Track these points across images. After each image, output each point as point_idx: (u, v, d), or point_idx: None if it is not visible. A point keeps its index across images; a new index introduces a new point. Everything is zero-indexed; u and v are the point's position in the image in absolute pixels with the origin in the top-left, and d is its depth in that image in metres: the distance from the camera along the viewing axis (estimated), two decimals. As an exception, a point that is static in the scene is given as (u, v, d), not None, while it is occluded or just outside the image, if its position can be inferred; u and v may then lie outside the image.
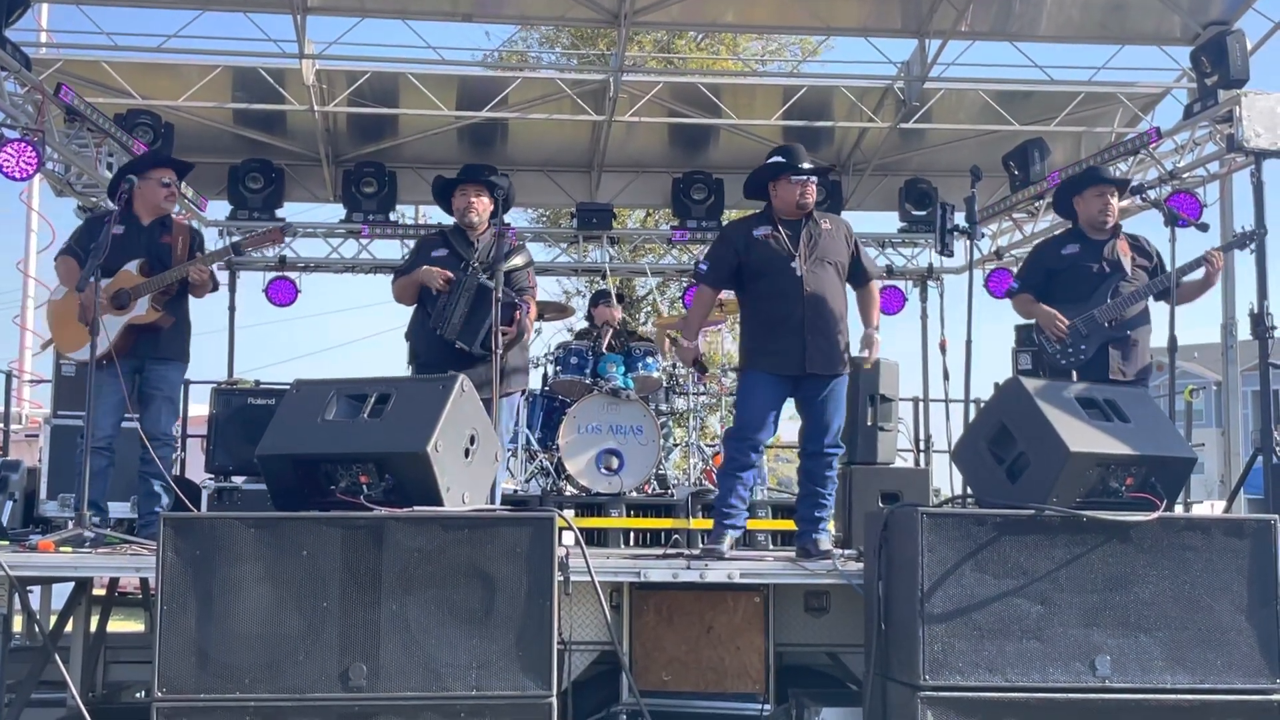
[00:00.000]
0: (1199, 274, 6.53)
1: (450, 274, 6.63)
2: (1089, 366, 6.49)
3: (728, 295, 9.93)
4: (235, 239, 6.86)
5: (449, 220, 7.07)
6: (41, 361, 15.10)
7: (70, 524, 5.90)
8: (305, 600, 4.48)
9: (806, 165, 6.28)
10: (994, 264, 12.82)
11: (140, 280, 6.49)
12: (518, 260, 6.78)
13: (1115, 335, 6.54)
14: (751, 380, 6.32)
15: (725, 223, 12.21)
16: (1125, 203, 10.81)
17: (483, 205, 6.85)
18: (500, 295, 6.33)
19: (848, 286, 6.40)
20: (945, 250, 11.08)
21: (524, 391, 7.63)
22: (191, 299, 6.79)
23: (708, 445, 10.30)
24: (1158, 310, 6.73)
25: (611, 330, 9.89)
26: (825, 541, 6.17)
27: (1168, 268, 6.54)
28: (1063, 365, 6.53)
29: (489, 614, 4.52)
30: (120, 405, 6.42)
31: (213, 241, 12.69)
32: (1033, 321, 6.88)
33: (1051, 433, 4.87)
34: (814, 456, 6.25)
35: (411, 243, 11.51)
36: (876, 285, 6.54)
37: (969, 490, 5.48)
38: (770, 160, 6.39)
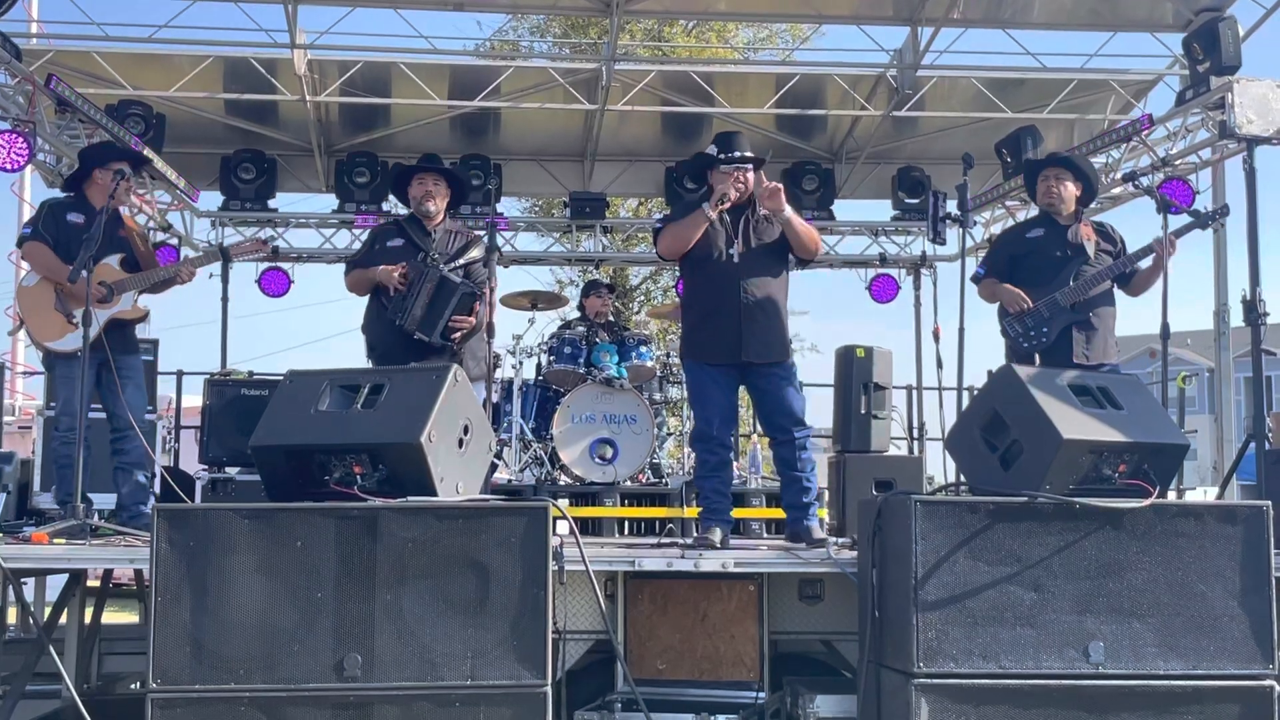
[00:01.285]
0: (1149, 260, 6.54)
1: (405, 268, 6.63)
2: (1052, 350, 6.50)
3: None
4: (225, 244, 6.88)
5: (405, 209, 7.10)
6: (35, 353, 15.08)
7: (64, 515, 5.90)
8: (300, 591, 4.48)
9: (737, 154, 6.21)
10: (987, 251, 12.82)
11: (123, 275, 6.49)
12: (476, 253, 6.79)
13: (1077, 317, 6.55)
14: (696, 376, 6.30)
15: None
16: (1118, 190, 10.90)
17: (441, 195, 6.86)
18: (458, 282, 6.40)
19: (788, 275, 6.34)
20: (938, 238, 11.07)
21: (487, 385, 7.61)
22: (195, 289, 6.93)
23: (701, 434, 10.29)
24: (1149, 298, 6.76)
25: (604, 320, 9.90)
26: (817, 528, 6.17)
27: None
28: (1025, 349, 6.54)
29: (484, 604, 4.53)
30: (90, 396, 6.44)
31: (205, 233, 12.71)
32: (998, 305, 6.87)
33: (1044, 420, 4.88)
34: (783, 444, 6.22)
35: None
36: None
37: (962, 478, 5.49)
38: (706, 150, 6.37)
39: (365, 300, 6.89)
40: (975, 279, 6.96)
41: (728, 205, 6.08)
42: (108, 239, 6.56)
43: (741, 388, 6.36)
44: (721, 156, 6.22)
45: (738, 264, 6.12)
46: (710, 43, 19.97)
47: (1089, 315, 6.57)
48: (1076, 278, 6.56)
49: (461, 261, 6.72)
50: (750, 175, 6.23)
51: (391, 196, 12.37)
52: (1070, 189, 6.73)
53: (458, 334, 6.62)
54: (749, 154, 6.24)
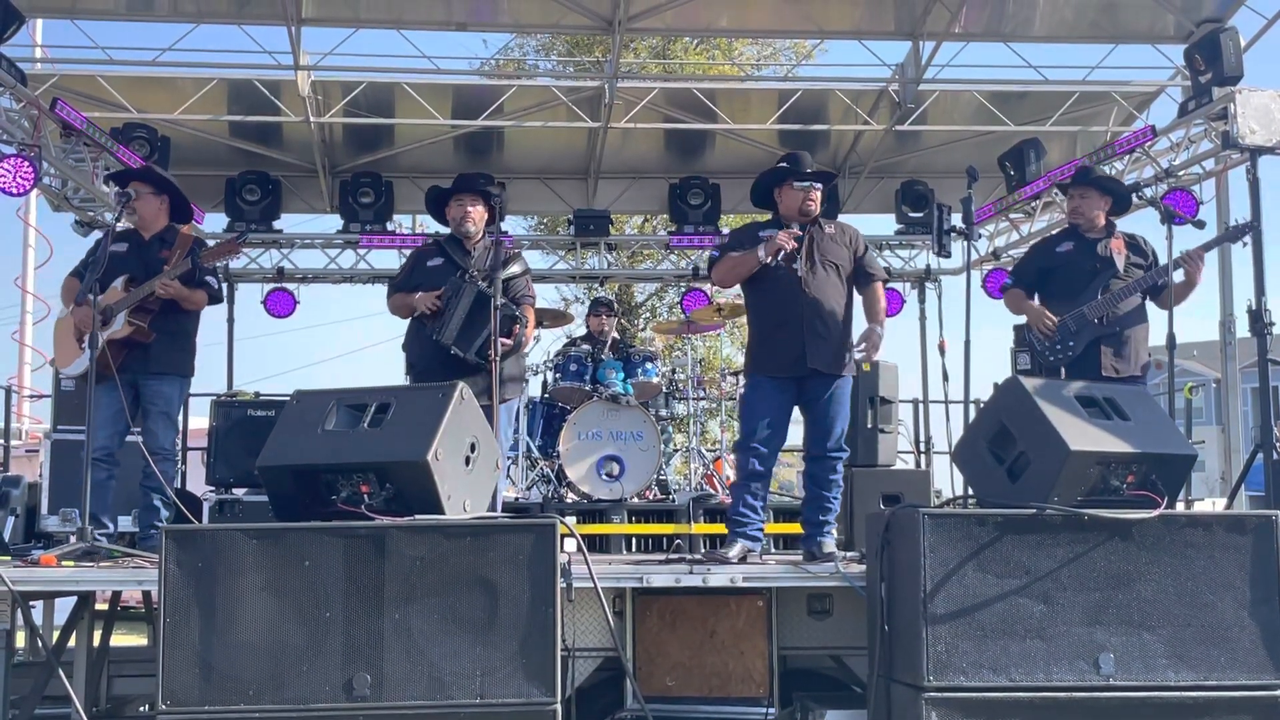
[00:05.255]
0: (1179, 275, 6.54)
1: (440, 293, 6.62)
2: (1078, 363, 6.49)
3: (726, 299, 9.97)
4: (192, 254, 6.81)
5: (445, 229, 7.06)
6: (41, 377, 15.11)
7: (72, 538, 5.90)
8: (308, 610, 4.49)
9: (810, 171, 6.35)
10: (991, 264, 12.82)
11: (122, 296, 6.47)
12: (515, 268, 6.77)
13: (1106, 332, 6.55)
14: (754, 387, 6.36)
15: (725, 228, 12.26)
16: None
17: (479, 214, 6.84)
18: (499, 304, 6.33)
19: (853, 292, 6.45)
20: (942, 251, 11.08)
21: (522, 398, 7.61)
22: (204, 310, 6.80)
23: (708, 450, 10.30)
24: (1155, 310, 6.75)
25: (610, 337, 9.90)
26: (829, 544, 6.18)
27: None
28: (1051, 362, 6.54)
29: (492, 621, 4.53)
30: (116, 418, 6.40)
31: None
32: (1024, 319, 6.90)
33: (1052, 432, 4.87)
34: (817, 460, 6.27)
35: (409, 252, 11.48)
36: (880, 287, 6.57)
37: (970, 491, 5.48)
38: (776, 166, 6.45)
39: (375, 322, 6.97)
40: (1003, 289, 7.01)
41: (780, 257, 6.19)
42: (139, 261, 6.56)
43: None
44: (794, 175, 6.34)
45: (801, 279, 6.21)
46: (716, 59, 20.00)
47: (1118, 329, 6.56)
48: (1104, 291, 6.56)
49: (500, 276, 6.69)
50: (818, 194, 6.37)
51: (395, 216, 12.47)
52: (1096, 205, 6.77)
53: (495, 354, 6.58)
54: (821, 170, 6.41)
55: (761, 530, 6.30)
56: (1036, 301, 6.85)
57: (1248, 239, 6.40)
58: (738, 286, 6.62)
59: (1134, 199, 7.16)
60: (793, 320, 6.18)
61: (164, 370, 6.62)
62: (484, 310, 6.46)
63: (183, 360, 6.77)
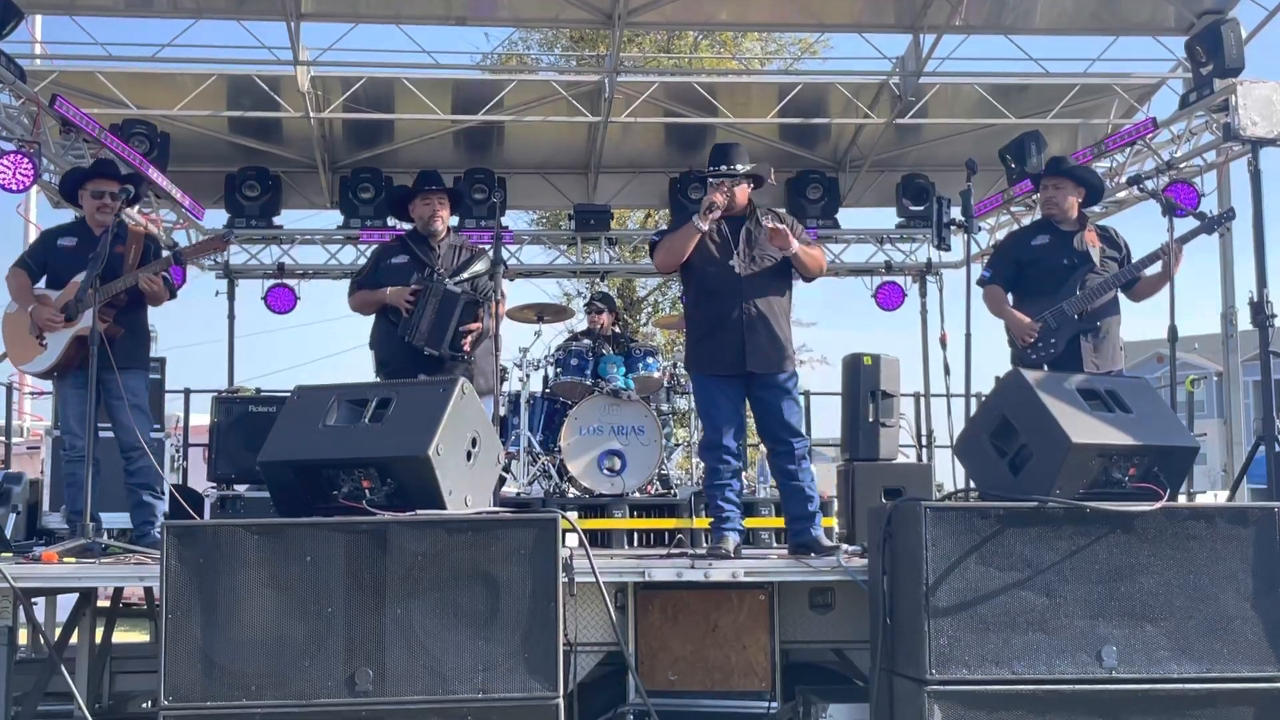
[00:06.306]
0: (1156, 266, 6.54)
1: (415, 288, 6.64)
2: (1060, 360, 6.48)
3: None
4: (175, 248, 6.80)
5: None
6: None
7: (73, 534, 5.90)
8: (310, 606, 4.48)
9: (725, 169, 6.24)
10: (991, 255, 12.80)
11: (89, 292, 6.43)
12: (479, 266, 6.80)
13: (1085, 327, 6.54)
14: (702, 388, 6.34)
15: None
16: (1123, 194, 10.89)
17: (447, 213, 6.89)
18: (469, 297, 6.38)
19: (791, 286, 6.39)
20: (942, 245, 11.05)
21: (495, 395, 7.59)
22: (157, 308, 6.80)
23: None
24: (1156, 303, 6.74)
25: (607, 333, 9.89)
26: (826, 538, 6.16)
27: (1135, 259, 6.61)
28: (1033, 361, 6.52)
29: (494, 616, 4.53)
30: (97, 415, 6.38)
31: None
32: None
33: (1053, 424, 4.87)
34: (783, 455, 6.24)
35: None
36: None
37: (972, 484, 5.48)
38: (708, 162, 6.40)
39: (372, 316, 6.91)
40: (981, 282, 6.95)
41: (717, 214, 6.10)
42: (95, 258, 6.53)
43: None
44: (709, 169, 6.28)
45: (739, 276, 6.16)
46: (720, 53, 19.98)
47: (1096, 323, 6.56)
48: (1083, 286, 6.54)
49: (465, 275, 6.74)
50: (742, 188, 6.25)
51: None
52: (1071, 197, 6.74)
53: (468, 340, 6.62)
54: (738, 166, 6.26)
55: (740, 521, 6.31)
56: (1012, 299, 6.81)
57: (1226, 228, 6.38)
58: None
59: (1136, 190, 7.14)
60: (731, 319, 6.13)
61: (130, 364, 6.57)
62: (452, 310, 6.52)
63: (144, 354, 6.82)
